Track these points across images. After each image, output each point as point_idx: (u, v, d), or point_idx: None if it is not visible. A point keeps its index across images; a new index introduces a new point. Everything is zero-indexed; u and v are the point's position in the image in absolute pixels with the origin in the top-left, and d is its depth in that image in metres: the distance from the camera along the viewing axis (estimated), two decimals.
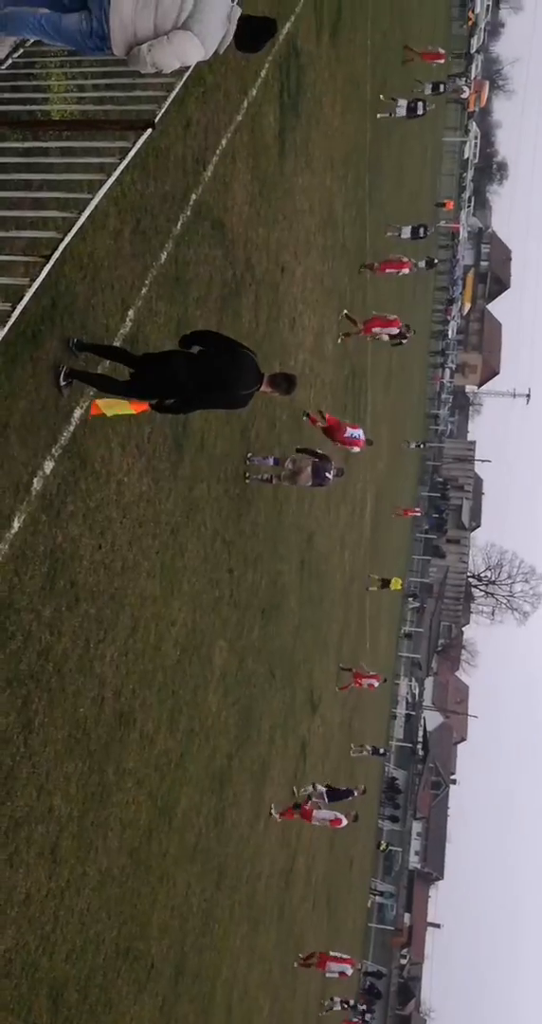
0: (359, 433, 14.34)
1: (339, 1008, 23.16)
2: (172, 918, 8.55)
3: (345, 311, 16.52)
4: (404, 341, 22.31)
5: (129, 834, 7.20)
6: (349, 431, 14.18)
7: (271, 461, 11.02)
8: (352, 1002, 26.16)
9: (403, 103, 21.54)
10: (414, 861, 61.09)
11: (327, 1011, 21.81)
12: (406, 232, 23.45)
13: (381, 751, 23.42)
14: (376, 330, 18.14)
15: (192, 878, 9.15)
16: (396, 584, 28.62)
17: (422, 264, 26.64)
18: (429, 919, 66.53)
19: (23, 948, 5.50)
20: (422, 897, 63.88)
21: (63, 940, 6.05)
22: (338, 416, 14.92)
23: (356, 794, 18.10)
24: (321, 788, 15.97)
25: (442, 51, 27.40)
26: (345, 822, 16.24)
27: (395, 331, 19.14)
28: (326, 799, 15.99)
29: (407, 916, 57.60)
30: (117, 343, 6.51)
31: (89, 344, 5.85)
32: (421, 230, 24.52)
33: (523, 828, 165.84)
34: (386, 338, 20.38)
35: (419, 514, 48.48)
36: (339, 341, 16.50)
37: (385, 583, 26.96)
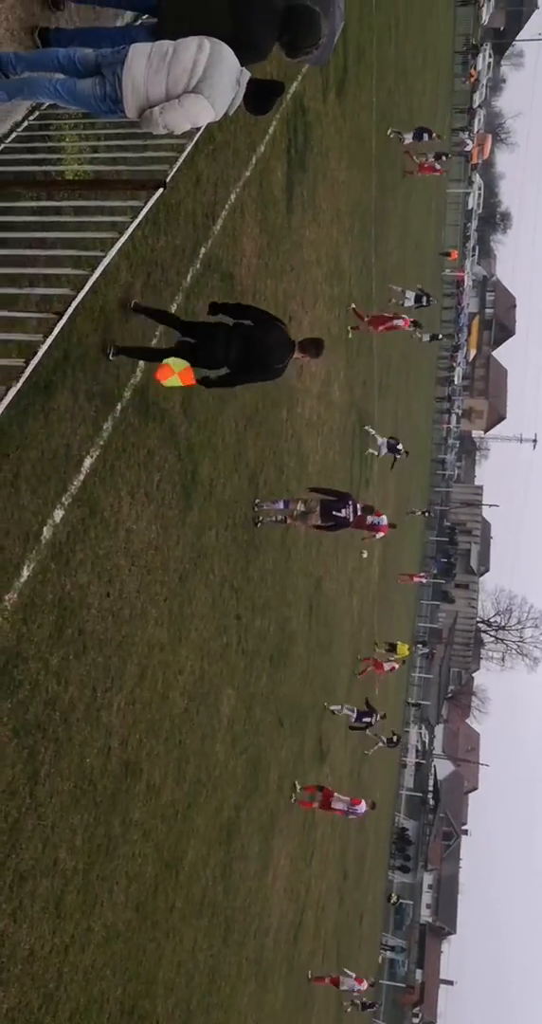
0: (382, 520, 15.59)
1: (360, 1007, 23.61)
2: (178, 975, 8.35)
3: (353, 305, 16.88)
4: (398, 456, 22.60)
5: (135, 888, 7.07)
6: (371, 519, 15.18)
7: (281, 504, 11.09)
8: (370, 1003, 27.05)
9: (410, 133, 23.47)
10: (425, 915, 59.65)
11: (348, 1010, 22.57)
12: (410, 299, 23.76)
13: (396, 739, 23.44)
14: (383, 328, 18.49)
15: (199, 933, 8.97)
16: (403, 650, 27.09)
17: (426, 338, 27.15)
18: (442, 976, 64.70)
19: (26, 1007, 5.38)
20: (434, 952, 62.23)
21: (67, 999, 5.92)
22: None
23: (377, 717, 19.25)
24: (351, 708, 18.37)
25: (439, 167, 27.89)
26: (364, 807, 16.14)
27: (402, 324, 19.92)
28: (354, 715, 18.34)
29: (419, 972, 56.05)
30: (127, 393, 6.60)
31: (144, 307, 6.55)
32: (425, 299, 24.74)
33: (538, 879, 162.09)
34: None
35: (424, 580, 47.61)
36: (349, 335, 16.84)
37: (392, 647, 25.90)
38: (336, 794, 15.40)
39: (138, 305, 6.49)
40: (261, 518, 10.63)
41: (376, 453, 20.94)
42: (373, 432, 20.61)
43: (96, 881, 6.31)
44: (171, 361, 6.31)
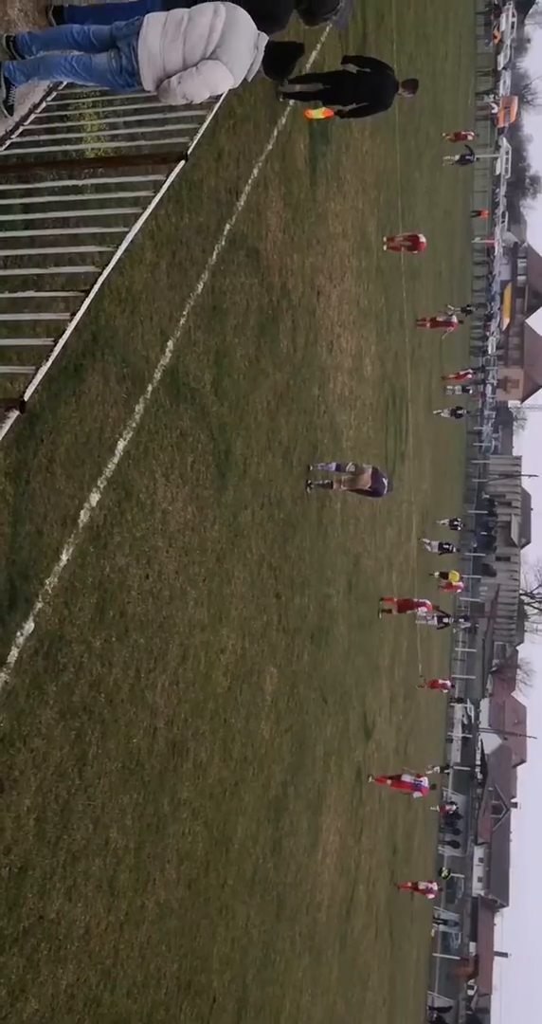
0: (426, 602, 19.60)
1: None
2: (233, 951, 8.43)
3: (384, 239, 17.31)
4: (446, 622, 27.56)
5: (186, 866, 7.14)
6: (416, 599, 19.15)
7: (333, 467, 11.89)
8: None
9: (457, 156, 30.24)
10: (477, 888, 59.58)
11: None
12: (433, 547, 27.05)
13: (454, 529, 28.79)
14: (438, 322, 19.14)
15: (252, 909, 9.04)
16: (455, 577, 29.40)
17: (446, 413, 31.41)
18: (496, 948, 64.63)
19: (85, 983, 5.47)
20: (487, 925, 62.17)
21: (124, 975, 6.00)
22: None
23: (454, 546, 26.95)
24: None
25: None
26: (427, 782, 18.39)
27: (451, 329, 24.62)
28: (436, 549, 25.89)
29: (473, 945, 56.09)
30: (158, 374, 6.58)
31: (291, 93, 9.60)
32: (457, 522, 31.24)
33: None
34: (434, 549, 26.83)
35: (461, 588, 48.13)
36: (384, 248, 17.12)
37: (444, 575, 28.11)
38: (405, 775, 17.98)
39: (286, 93, 9.48)
40: (310, 481, 11.26)
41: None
42: (427, 542, 25.80)
43: (148, 860, 6.37)
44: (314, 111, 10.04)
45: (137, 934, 6.21)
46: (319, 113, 10.12)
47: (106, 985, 5.74)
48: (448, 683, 31.88)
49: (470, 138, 32.57)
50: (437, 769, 31.53)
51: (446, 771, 39.29)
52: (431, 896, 27.33)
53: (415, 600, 19.69)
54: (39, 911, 4.96)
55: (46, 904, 5.03)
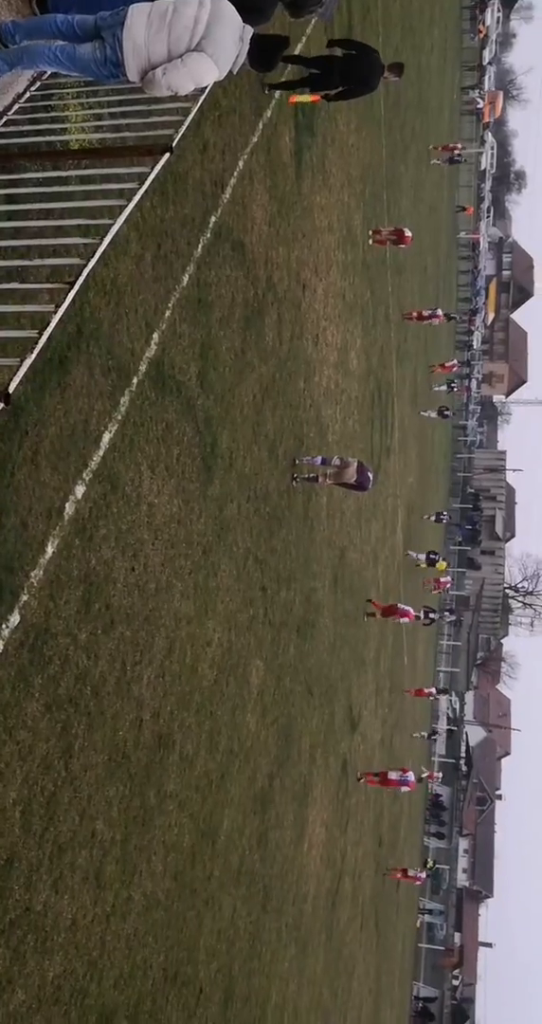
0: (409, 609, 19.70)
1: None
2: (219, 942, 8.47)
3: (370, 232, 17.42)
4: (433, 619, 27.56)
5: (173, 857, 7.16)
6: (401, 605, 19.07)
7: (319, 460, 11.89)
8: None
9: (446, 156, 31.75)
10: (462, 879, 60.02)
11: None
12: (420, 558, 27.27)
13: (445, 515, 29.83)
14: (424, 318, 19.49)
15: (238, 901, 9.08)
16: (441, 566, 29.62)
17: (433, 414, 31.73)
18: (480, 938, 65.17)
19: (71, 974, 5.48)
20: (472, 916, 62.65)
21: (111, 966, 6.02)
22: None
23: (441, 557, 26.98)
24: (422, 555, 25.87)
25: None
26: (413, 776, 18.93)
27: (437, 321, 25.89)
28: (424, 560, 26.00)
29: (457, 935, 56.51)
30: (143, 367, 6.57)
31: (276, 84, 9.63)
32: (443, 515, 32.22)
33: None
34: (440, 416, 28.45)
35: (449, 583, 49.11)
36: (370, 242, 17.24)
37: (431, 562, 28.12)
38: (390, 773, 18.18)
39: (271, 84, 9.50)
40: (296, 475, 11.28)
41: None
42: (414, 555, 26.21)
43: (134, 851, 6.39)
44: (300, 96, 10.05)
45: (124, 925, 6.23)
46: (306, 98, 10.25)
47: (93, 976, 5.76)
48: (433, 690, 33.04)
49: (457, 151, 33.09)
50: (424, 735, 33.55)
51: (433, 737, 42.37)
52: (418, 883, 28.57)
53: (399, 608, 19.60)
54: (25, 903, 4.97)
55: (32, 896, 5.04)
